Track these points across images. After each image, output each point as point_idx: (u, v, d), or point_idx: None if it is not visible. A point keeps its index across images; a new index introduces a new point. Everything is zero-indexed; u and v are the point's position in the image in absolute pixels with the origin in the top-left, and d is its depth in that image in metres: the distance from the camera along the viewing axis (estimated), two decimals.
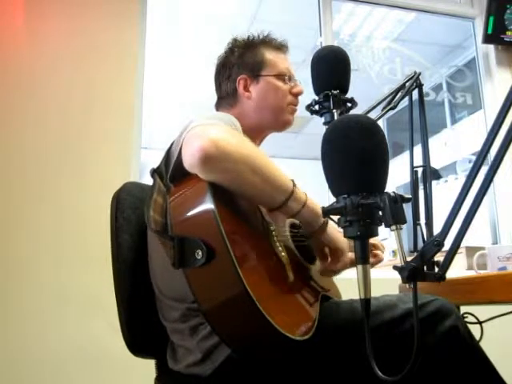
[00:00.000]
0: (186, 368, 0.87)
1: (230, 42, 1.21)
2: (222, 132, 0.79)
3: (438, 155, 3.72)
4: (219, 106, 1.22)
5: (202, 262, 0.70)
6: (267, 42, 1.19)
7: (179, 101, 4.03)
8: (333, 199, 0.58)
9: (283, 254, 0.85)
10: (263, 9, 3.13)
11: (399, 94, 0.87)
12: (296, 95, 1.17)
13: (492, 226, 2.85)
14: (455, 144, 3.84)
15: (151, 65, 2.43)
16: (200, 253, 0.70)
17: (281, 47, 1.21)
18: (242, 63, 1.16)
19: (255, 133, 1.17)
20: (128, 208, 1.04)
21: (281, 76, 1.16)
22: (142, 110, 2.28)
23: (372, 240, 1.08)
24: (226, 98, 1.19)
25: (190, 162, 0.78)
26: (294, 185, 0.84)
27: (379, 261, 1.10)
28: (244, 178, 0.78)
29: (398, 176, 3.40)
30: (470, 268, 1.86)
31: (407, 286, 0.54)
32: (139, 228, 1.03)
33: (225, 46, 1.22)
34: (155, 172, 0.89)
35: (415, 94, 0.90)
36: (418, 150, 0.87)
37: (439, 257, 0.52)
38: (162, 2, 2.96)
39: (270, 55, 1.17)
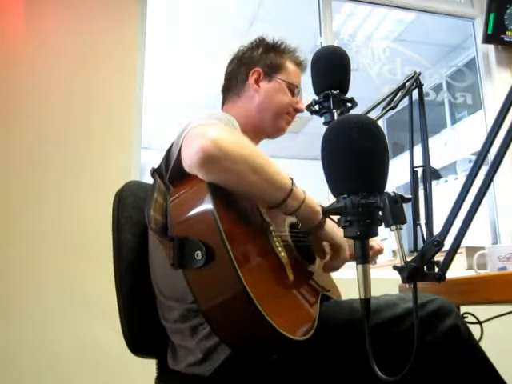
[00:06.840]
0: (187, 368, 0.87)
1: (258, 39, 1.24)
2: (222, 131, 0.79)
3: (438, 155, 3.72)
4: (226, 96, 1.23)
5: (202, 263, 0.70)
6: (293, 53, 1.23)
7: (179, 101, 4.03)
8: (333, 199, 0.58)
9: (283, 254, 0.85)
10: (263, 9, 3.12)
11: (399, 94, 0.87)
12: (297, 110, 1.20)
13: (492, 226, 2.85)
14: (455, 144, 3.84)
15: (151, 65, 2.43)
16: (199, 254, 0.70)
17: (301, 64, 1.24)
18: (262, 59, 1.19)
19: (253, 133, 1.17)
20: (130, 207, 1.04)
21: (292, 86, 1.19)
22: (142, 110, 2.28)
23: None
24: (235, 88, 1.20)
25: (189, 162, 0.78)
26: (293, 183, 0.85)
27: (378, 251, 1.09)
28: (244, 177, 0.78)
29: (397, 176, 3.40)
30: (469, 268, 1.86)
31: (407, 285, 0.54)
32: (141, 228, 1.03)
33: (251, 42, 1.24)
34: (155, 172, 0.89)
35: (415, 94, 0.90)
36: (418, 149, 0.87)
37: (439, 257, 0.52)
38: (162, 2, 2.96)
39: (290, 65, 1.21)
